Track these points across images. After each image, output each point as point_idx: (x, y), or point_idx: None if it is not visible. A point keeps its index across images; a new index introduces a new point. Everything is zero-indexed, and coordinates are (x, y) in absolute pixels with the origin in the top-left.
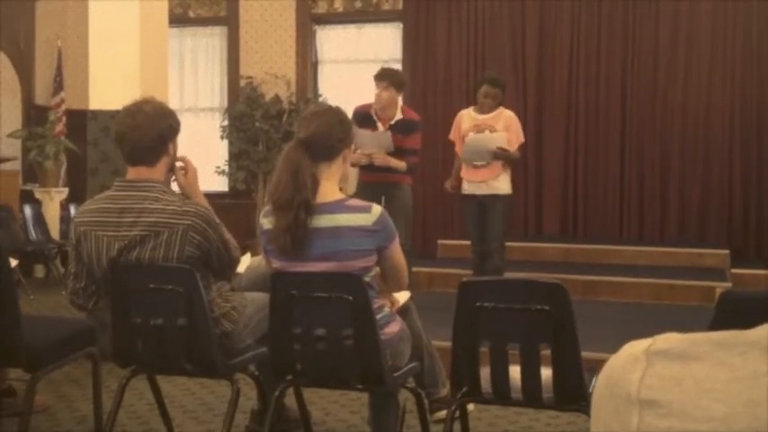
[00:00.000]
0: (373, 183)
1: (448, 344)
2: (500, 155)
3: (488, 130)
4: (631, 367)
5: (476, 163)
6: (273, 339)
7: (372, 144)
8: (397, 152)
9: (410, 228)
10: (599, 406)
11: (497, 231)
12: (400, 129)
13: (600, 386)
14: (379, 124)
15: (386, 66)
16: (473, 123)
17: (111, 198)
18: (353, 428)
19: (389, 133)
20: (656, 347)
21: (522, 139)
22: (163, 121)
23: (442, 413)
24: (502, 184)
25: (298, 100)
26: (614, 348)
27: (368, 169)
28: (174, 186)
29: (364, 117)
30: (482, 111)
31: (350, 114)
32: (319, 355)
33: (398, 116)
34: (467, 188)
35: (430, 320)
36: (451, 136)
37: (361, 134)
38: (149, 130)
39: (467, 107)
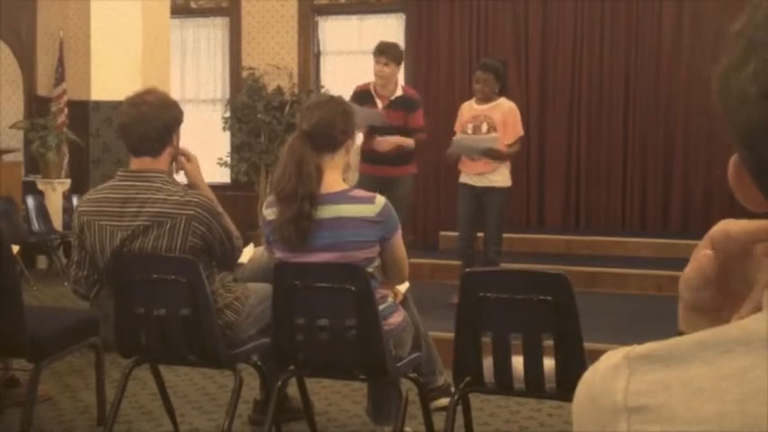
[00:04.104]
0: (374, 176)
1: (450, 335)
2: (490, 154)
3: (485, 123)
4: (613, 375)
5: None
6: (276, 330)
7: (359, 119)
8: (402, 131)
9: (409, 220)
10: (582, 421)
11: (493, 224)
12: (401, 106)
13: (580, 400)
14: (378, 101)
15: (385, 41)
16: (471, 115)
17: (115, 188)
18: (356, 418)
19: (379, 111)
20: (637, 352)
21: (520, 132)
22: (167, 112)
23: (440, 401)
24: (499, 177)
25: (300, 91)
26: (616, 339)
27: (369, 161)
28: (180, 177)
29: (364, 95)
30: (479, 100)
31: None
32: (322, 345)
33: (398, 93)
34: (464, 178)
35: (432, 312)
36: (456, 128)
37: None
38: (154, 122)
39: (469, 98)
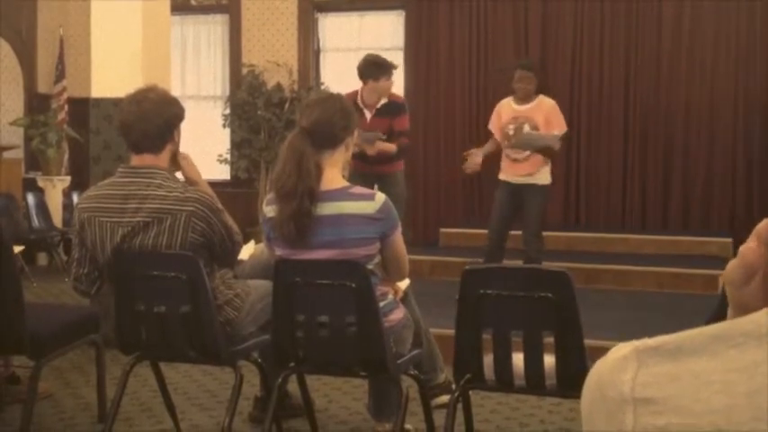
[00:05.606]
0: (365, 173)
1: (450, 332)
2: (546, 152)
3: (527, 123)
4: (622, 367)
5: (515, 157)
6: (276, 326)
7: (362, 142)
8: (388, 135)
9: (407, 216)
10: (590, 410)
11: (533, 222)
12: (386, 113)
13: (589, 390)
14: (366, 111)
15: (376, 54)
16: (512, 115)
17: (115, 184)
18: (356, 415)
19: (379, 133)
20: (647, 345)
21: (564, 127)
22: (168, 108)
23: (441, 399)
24: (541, 175)
25: (300, 88)
26: (617, 336)
27: (359, 159)
28: (179, 175)
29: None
30: (519, 98)
31: None
32: (322, 342)
33: (383, 100)
34: (503, 175)
35: (432, 309)
36: (491, 126)
37: None
38: (155, 119)
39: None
